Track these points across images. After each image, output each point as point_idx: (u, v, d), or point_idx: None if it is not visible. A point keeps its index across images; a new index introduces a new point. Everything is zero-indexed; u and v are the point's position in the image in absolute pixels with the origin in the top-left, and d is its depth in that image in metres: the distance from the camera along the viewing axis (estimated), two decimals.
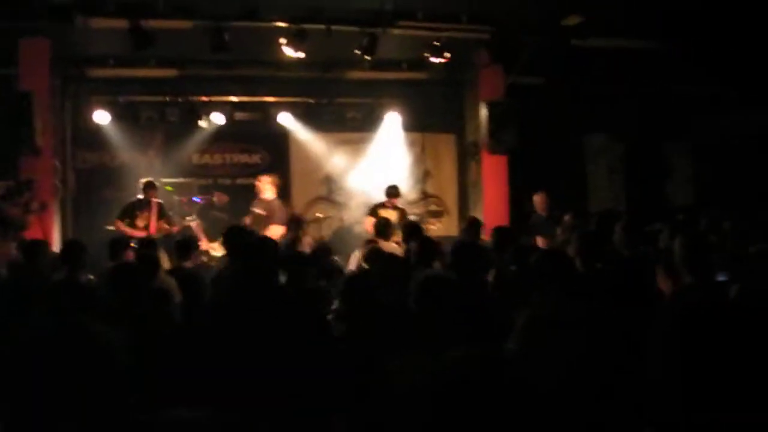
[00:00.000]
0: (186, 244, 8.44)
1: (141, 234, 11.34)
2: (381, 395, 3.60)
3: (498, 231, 8.36)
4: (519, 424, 1.75)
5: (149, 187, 12.14)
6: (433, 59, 11.80)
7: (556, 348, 3.50)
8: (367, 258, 7.71)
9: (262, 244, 6.22)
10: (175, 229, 12.02)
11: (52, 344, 2.10)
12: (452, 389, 1.80)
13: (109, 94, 13.70)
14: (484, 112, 13.09)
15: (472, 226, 9.81)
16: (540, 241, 10.88)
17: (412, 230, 9.26)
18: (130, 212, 11.99)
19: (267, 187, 12.43)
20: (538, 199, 11.89)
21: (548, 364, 3.36)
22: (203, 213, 12.93)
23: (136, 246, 8.85)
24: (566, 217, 10.32)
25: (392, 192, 12.53)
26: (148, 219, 11.98)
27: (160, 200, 12.36)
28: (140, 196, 12.11)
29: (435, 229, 13.42)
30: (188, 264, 8.21)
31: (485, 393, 1.79)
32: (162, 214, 12.15)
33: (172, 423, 2.22)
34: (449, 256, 6.58)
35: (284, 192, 14.54)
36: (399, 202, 12.60)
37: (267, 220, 11.89)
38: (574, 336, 3.57)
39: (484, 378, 1.83)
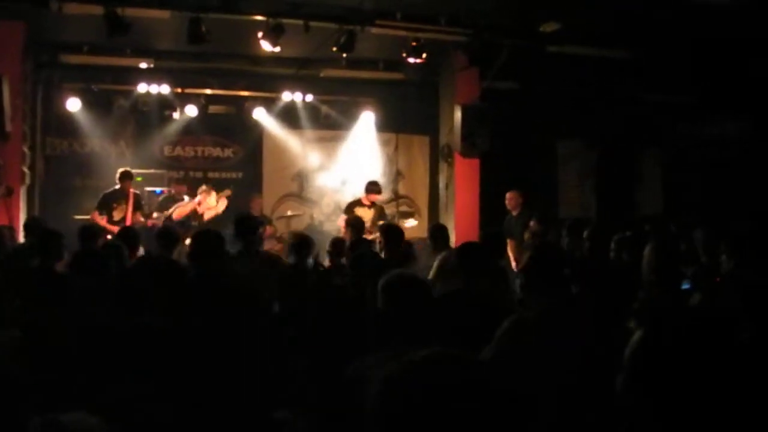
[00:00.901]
0: (167, 235, 8.32)
1: (116, 228, 11.25)
2: (344, 396, 3.58)
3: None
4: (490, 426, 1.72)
5: (126, 176, 12.07)
6: (410, 59, 11.79)
7: (540, 351, 3.50)
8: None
9: None
10: (149, 223, 11.95)
11: None
12: (416, 387, 1.76)
13: (82, 81, 13.60)
14: (458, 114, 13.09)
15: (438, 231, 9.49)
16: (509, 244, 10.90)
17: (391, 235, 9.18)
18: (108, 204, 11.90)
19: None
20: (510, 197, 11.88)
21: (530, 367, 3.35)
22: (165, 204, 12.83)
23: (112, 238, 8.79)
24: (532, 223, 10.33)
25: (372, 188, 12.36)
26: (125, 211, 11.91)
27: (136, 191, 12.30)
28: (116, 186, 12.03)
29: (408, 229, 13.37)
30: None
31: (452, 394, 1.74)
32: (137, 206, 12.09)
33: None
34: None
35: (255, 188, 14.53)
36: (378, 199, 12.48)
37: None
38: (559, 339, 3.57)
39: (451, 378, 1.79)
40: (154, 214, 12.42)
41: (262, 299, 4.96)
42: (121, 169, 12.29)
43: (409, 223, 12.71)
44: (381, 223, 11.11)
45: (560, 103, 13.85)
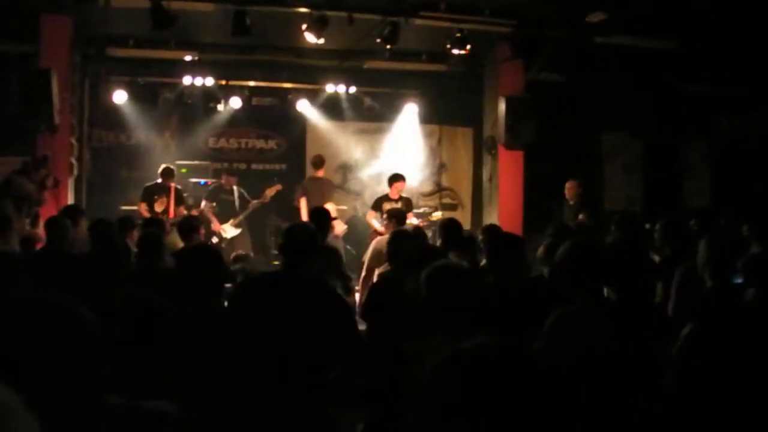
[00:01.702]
0: (186, 226, 8.38)
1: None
2: (398, 381, 3.58)
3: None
4: (537, 417, 1.71)
5: (166, 174, 12.18)
6: (454, 51, 11.72)
7: (582, 344, 3.47)
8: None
9: None
10: (194, 212, 12.05)
11: (23, 319, 2.07)
12: (473, 376, 1.76)
13: (128, 74, 13.71)
14: (502, 106, 13.00)
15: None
16: None
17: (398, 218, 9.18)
18: (149, 197, 12.04)
19: None
20: (569, 186, 11.82)
21: (573, 359, 3.32)
22: (212, 195, 12.90)
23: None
24: (581, 216, 10.26)
25: (395, 179, 12.21)
26: (166, 204, 12.02)
27: (178, 186, 12.40)
28: (158, 180, 12.15)
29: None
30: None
31: (506, 383, 1.74)
32: (179, 201, 12.18)
33: (145, 414, 2.18)
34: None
35: (299, 179, 14.54)
36: (404, 191, 12.38)
37: None
38: (601, 333, 3.53)
39: (506, 367, 1.78)
40: (203, 203, 12.50)
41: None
42: (163, 166, 12.40)
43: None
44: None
45: (605, 94, 13.71)
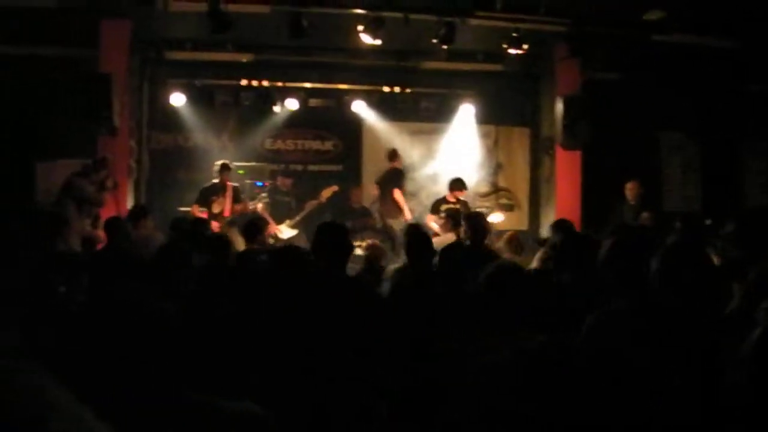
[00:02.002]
0: (252, 228, 8.44)
1: (216, 223, 11.56)
2: (444, 377, 3.56)
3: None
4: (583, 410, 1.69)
5: (224, 169, 12.28)
6: (510, 50, 11.66)
7: (625, 343, 3.41)
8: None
9: None
10: (250, 208, 12.17)
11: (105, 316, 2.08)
12: (529, 373, 1.74)
13: (186, 77, 13.84)
14: (559, 106, 12.90)
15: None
16: None
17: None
18: (206, 198, 12.14)
19: None
20: (630, 187, 11.71)
21: (615, 357, 3.28)
22: (268, 197, 12.98)
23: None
24: (644, 215, 10.16)
25: (456, 185, 12.39)
26: (223, 204, 12.12)
27: (235, 183, 12.50)
28: (215, 180, 12.25)
29: (500, 222, 13.20)
30: (255, 246, 8.23)
31: (558, 379, 1.72)
32: (237, 199, 12.28)
33: (234, 415, 2.17)
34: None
35: (355, 181, 14.60)
36: (463, 196, 12.47)
37: None
38: (644, 333, 3.47)
39: (558, 365, 1.76)
40: (259, 205, 12.58)
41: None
42: (218, 162, 12.51)
43: (495, 217, 12.58)
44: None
45: (663, 93, 13.51)
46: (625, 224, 9.84)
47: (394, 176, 13.68)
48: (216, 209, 12.06)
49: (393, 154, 13.94)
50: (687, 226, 7.48)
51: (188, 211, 12.19)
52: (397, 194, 13.29)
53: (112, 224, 8.48)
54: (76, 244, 9.18)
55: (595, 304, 3.81)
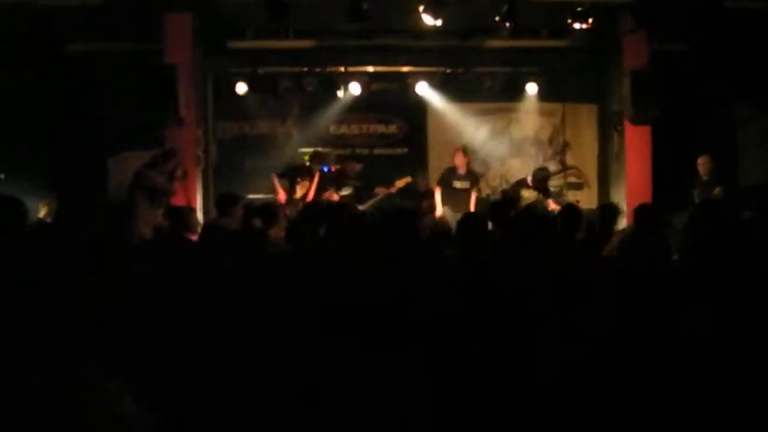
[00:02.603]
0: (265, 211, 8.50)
1: (286, 201, 11.70)
2: None
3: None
4: None
5: (316, 157, 12.37)
6: (575, 25, 11.45)
7: None
8: None
9: None
10: (335, 197, 12.29)
11: None
12: None
13: (248, 65, 13.90)
14: (627, 81, 12.65)
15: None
16: None
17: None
18: (293, 176, 12.23)
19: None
20: (701, 162, 11.48)
21: None
22: (335, 182, 12.98)
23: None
24: (716, 190, 9.94)
25: (540, 176, 12.47)
26: (308, 188, 12.18)
27: (322, 173, 12.56)
28: (306, 164, 12.32)
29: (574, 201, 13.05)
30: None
31: None
32: (321, 187, 12.33)
33: None
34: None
35: (421, 163, 14.54)
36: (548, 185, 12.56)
37: None
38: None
39: None
40: (329, 192, 12.61)
41: None
42: (313, 149, 12.77)
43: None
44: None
45: (737, 63, 13.11)
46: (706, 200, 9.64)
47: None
48: (299, 192, 12.12)
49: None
50: (763, 201, 7.25)
51: (260, 198, 12.33)
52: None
53: (171, 213, 8.61)
54: (148, 233, 9.32)
55: None
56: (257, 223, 8.22)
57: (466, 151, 12.97)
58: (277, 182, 12.22)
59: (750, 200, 7.63)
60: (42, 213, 12.19)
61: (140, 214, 10.34)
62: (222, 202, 9.39)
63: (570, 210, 7.68)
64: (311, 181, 12.29)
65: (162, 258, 5.20)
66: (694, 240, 3.95)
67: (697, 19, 11.99)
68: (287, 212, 11.34)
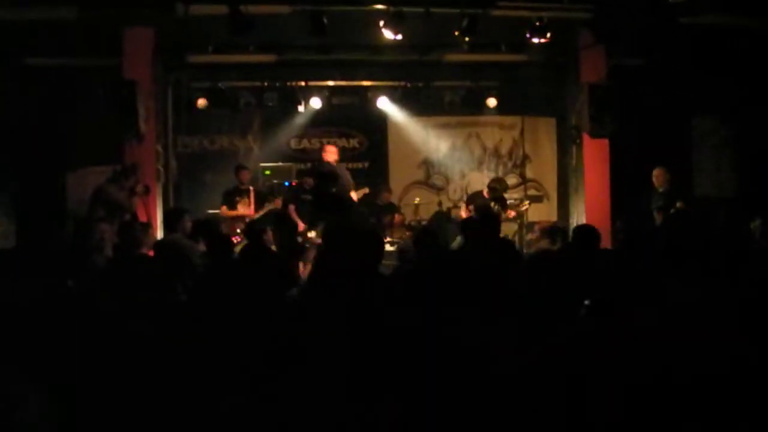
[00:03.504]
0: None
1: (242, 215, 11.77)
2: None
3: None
4: None
5: (239, 169, 12.47)
6: (534, 40, 11.55)
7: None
8: None
9: None
10: (277, 203, 12.35)
11: None
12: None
13: (209, 80, 13.88)
14: (585, 94, 12.79)
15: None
16: (658, 218, 10.76)
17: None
18: (230, 198, 12.29)
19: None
20: (657, 174, 11.61)
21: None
22: (295, 196, 12.96)
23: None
24: (678, 204, 10.08)
25: (499, 186, 12.55)
26: (247, 204, 12.22)
27: (251, 187, 12.58)
28: (236, 184, 12.35)
29: (525, 210, 13.17)
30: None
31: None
32: (259, 199, 12.38)
33: None
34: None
35: (382, 176, 14.58)
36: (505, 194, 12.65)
37: None
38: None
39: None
40: (290, 206, 12.61)
41: None
42: (235, 165, 12.68)
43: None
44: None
45: (693, 77, 13.31)
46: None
47: None
48: (241, 210, 12.18)
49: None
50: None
51: (217, 213, 12.35)
52: None
53: (121, 230, 8.58)
54: (108, 250, 9.23)
55: None
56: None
57: None
58: (225, 210, 12.32)
59: (714, 211, 7.76)
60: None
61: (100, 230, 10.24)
62: (168, 217, 9.44)
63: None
64: (249, 197, 12.34)
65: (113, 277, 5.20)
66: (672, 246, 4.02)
67: (654, 35, 12.16)
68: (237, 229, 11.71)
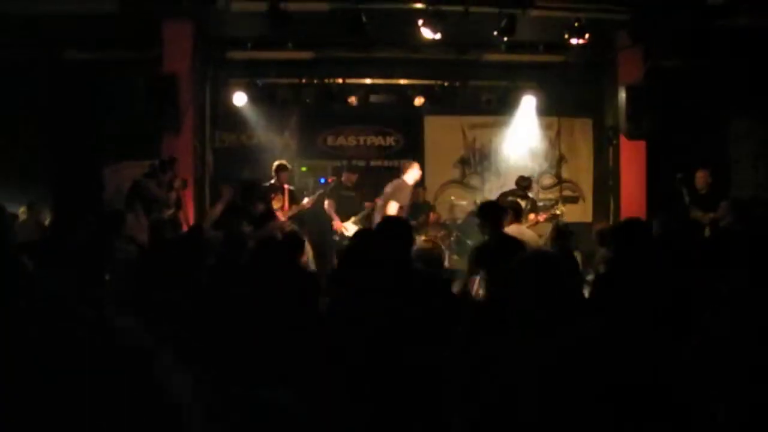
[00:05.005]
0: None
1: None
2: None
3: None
4: None
5: (280, 169, 12.29)
6: (572, 41, 11.54)
7: None
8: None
9: None
10: (307, 204, 12.23)
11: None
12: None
13: (247, 76, 13.94)
14: (622, 95, 12.75)
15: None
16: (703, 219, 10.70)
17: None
18: (266, 196, 12.18)
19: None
20: (700, 176, 11.54)
21: None
22: (333, 193, 12.98)
23: None
24: (723, 204, 10.04)
25: (523, 184, 12.49)
26: (282, 201, 12.17)
27: (291, 187, 12.51)
28: (272, 181, 12.27)
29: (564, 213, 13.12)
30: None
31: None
32: (293, 199, 12.27)
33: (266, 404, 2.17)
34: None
35: None
36: (530, 192, 12.57)
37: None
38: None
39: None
40: (326, 202, 12.60)
41: None
42: (276, 162, 12.53)
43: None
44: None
45: (731, 79, 13.22)
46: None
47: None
48: (277, 205, 12.11)
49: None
50: None
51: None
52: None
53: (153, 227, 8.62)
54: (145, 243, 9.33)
55: None
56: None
57: None
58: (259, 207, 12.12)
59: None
60: (21, 216, 11.87)
61: (137, 223, 10.35)
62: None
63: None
64: (283, 195, 12.27)
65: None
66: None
67: (691, 36, 12.10)
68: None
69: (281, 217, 11.81)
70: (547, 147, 15.23)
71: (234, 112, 14.17)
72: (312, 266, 10.81)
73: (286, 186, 12.31)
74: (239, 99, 13.86)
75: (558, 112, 15.00)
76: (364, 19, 10.84)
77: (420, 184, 13.59)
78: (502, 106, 14.75)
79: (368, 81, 14.32)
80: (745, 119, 14.59)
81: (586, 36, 11.49)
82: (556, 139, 15.29)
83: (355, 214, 12.62)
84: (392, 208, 10.70)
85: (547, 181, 14.99)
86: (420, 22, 10.99)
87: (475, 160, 15.17)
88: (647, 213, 12.54)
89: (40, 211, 12.12)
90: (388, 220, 6.26)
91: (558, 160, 15.31)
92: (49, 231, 10.96)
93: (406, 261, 5.06)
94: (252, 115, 14.30)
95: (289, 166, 12.64)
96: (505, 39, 11.57)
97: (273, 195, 12.20)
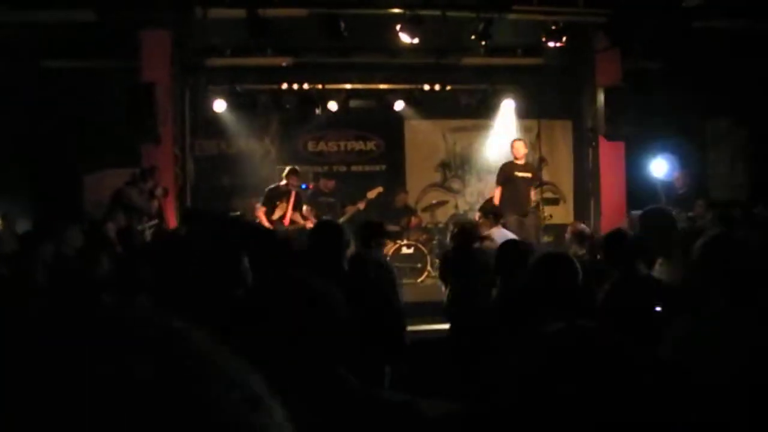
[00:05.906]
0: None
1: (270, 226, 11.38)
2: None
3: None
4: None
5: (291, 174, 12.01)
6: (550, 43, 11.61)
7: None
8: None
9: None
10: (309, 224, 11.64)
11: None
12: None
13: (227, 83, 13.93)
14: (601, 97, 12.82)
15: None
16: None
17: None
18: (272, 200, 11.87)
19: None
20: (678, 176, 11.61)
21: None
22: (312, 199, 12.94)
23: None
24: (699, 202, 10.10)
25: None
26: (285, 209, 11.90)
27: (298, 191, 12.33)
28: (282, 183, 12.01)
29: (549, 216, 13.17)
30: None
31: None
32: (297, 206, 12.01)
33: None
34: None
35: (399, 179, 14.60)
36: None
37: None
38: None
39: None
40: (304, 208, 12.48)
41: None
42: (288, 167, 12.30)
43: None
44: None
45: (707, 80, 13.31)
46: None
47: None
48: (276, 214, 11.81)
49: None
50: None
51: (237, 215, 12.18)
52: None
53: (120, 234, 8.56)
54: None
55: None
56: None
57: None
58: (261, 213, 11.87)
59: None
60: None
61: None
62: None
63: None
64: (288, 201, 12.14)
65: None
66: None
67: (669, 38, 12.18)
68: None
69: (285, 223, 11.69)
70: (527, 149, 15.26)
71: (214, 120, 14.15)
72: None
73: (294, 191, 12.04)
74: (219, 106, 13.85)
75: (537, 115, 15.03)
76: (342, 24, 10.86)
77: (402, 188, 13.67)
78: (481, 110, 14.80)
79: (348, 86, 14.33)
80: (723, 120, 14.70)
81: (564, 39, 11.57)
82: (536, 141, 15.32)
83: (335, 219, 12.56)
84: None
85: None
86: (398, 26, 11.02)
87: (456, 163, 15.21)
88: (627, 212, 12.61)
89: (15, 221, 11.98)
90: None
91: (538, 162, 15.35)
92: (23, 242, 10.84)
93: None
94: (232, 122, 14.29)
95: (299, 169, 12.40)
96: (483, 43, 11.60)
97: (278, 201, 11.91)
